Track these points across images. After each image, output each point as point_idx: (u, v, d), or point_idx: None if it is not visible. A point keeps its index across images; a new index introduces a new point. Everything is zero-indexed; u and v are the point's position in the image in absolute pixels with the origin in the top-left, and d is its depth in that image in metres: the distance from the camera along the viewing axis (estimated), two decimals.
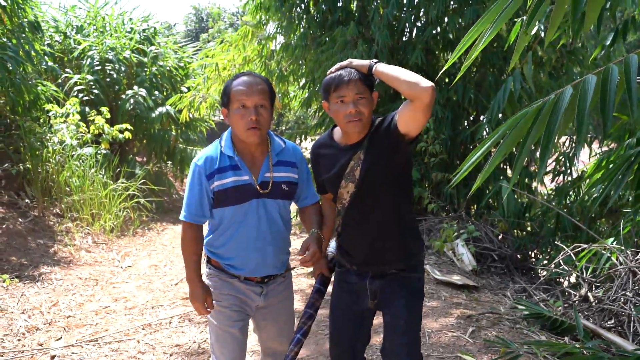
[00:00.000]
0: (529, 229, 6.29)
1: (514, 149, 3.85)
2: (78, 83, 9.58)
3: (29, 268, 5.61)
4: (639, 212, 3.54)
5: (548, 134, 2.05)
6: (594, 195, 4.76)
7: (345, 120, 2.09)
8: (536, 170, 7.01)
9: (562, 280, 5.02)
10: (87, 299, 5.00)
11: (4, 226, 6.30)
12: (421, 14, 6.69)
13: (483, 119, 6.42)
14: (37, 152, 7.35)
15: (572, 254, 4.22)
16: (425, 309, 3.82)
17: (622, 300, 3.51)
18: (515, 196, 6.22)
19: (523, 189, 6.41)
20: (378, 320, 2.45)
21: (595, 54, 4.23)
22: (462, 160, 2.01)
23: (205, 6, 33.15)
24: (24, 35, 7.45)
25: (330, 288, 2.43)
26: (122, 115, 9.81)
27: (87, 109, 9.03)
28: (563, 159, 6.33)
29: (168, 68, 11.32)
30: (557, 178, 6.53)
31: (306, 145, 8.30)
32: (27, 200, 7.23)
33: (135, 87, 10.15)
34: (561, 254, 4.34)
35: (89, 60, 9.97)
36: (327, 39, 6.69)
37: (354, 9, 7.10)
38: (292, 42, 7.36)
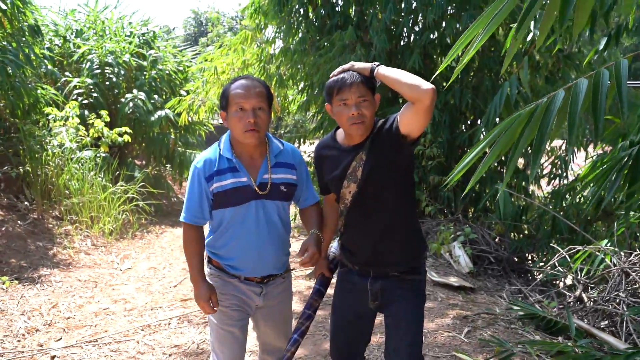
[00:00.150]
0: (525, 231, 6.35)
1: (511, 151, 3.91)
2: (77, 86, 9.63)
3: (28, 270, 5.65)
4: (631, 211, 3.58)
5: (540, 136, 2.09)
6: (588, 197, 4.81)
7: (348, 123, 2.13)
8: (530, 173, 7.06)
9: (558, 282, 5.06)
10: (86, 301, 5.03)
11: (3, 228, 6.33)
12: (419, 18, 6.75)
13: (480, 122, 6.47)
14: (36, 155, 7.39)
15: (567, 256, 4.26)
16: None
17: (616, 300, 3.55)
18: (513, 199, 6.28)
19: (520, 192, 6.46)
20: (378, 320, 2.49)
21: (588, 58, 4.29)
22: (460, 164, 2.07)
23: (204, 10, 33.24)
24: (24, 38, 7.50)
25: (331, 288, 2.47)
26: (121, 118, 9.86)
27: (86, 112, 9.09)
28: (559, 162, 6.38)
29: (167, 72, 11.36)
30: (553, 181, 6.59)
31: (305, 149, 8.37)
32: (26, 203, 7.27)
33: (135, 91, 10.20)
34: (556, 255, 4.39)
35: (88, 63, 10.01)
36: (325, 44, 6.74)
37: (353, 13, 7.15)
38: (291, 46, 7.41)
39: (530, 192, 6.85)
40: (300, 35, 7.27)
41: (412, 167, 2.30)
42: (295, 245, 6.23)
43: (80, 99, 9.41)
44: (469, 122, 7.21)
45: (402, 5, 6.54)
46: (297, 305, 4.34)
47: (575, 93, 2.05)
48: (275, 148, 2.37)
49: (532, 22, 4.30)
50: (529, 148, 6.40)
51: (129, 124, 9.57)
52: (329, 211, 2.47)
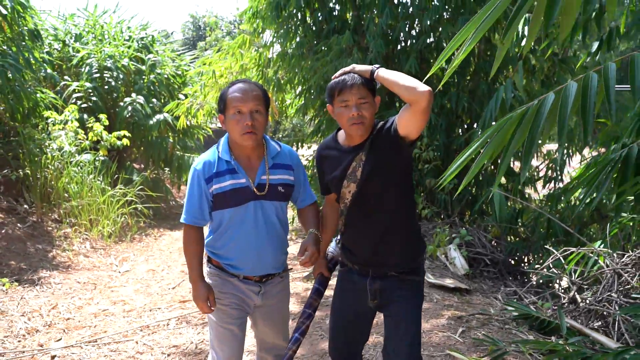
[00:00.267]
0: (522, 234, 6.40)
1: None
2: (76, 90, 9.68)
3: (28, 272, 5.69)
4: (621, 211, 3.64)
5: (531, 138, 2.15)
6: (580, 198, 4.87)
7: (348, 123, 2.19)
8: (527, 176, 7.14)
9: (553, 284, 5.11)
10: (85, 302, 5.07)
11: (3, 231, 6.37)
12: (415, 23, 6.81)
13: (477, 126, 6.53)
14: (35, 159, 7.44)
15: (561, 258, 4.32)
16: None
17: (608, 301, 3.60)
18: (509, 203, 6.34)
19: (516, 195, 6.52)
20: (376, 320, 2.54)
21: (581, 62, 4.36)
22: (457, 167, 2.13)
23: (202, 15, 33.32)
24: (23, 43, 7.56)
25: (330, 289, 2.52)
26: (120, 122, 9.92)
27: (85, 116, 9.14)
28: (554, 166, 6.45)
29: (166, 76, 11.43)
30: (548, 184, 6.65)
31: (303, 153, 8.42)
32: (25, 206, 7.31)
33: (133, 95, 10.26)
34: (551, 257, 4.45)
35: (87, 67, 10.08)
36: (323, 48, 6.80)
37: (350, 18, 7.22)
38: (289, 50, 7.47)
39: (526, 196, 6.91)
40: (297, 39, 7.33)
41: (411, 169, 2.36)
42: (293, 249, 6.28)
43: (79, 102, 9.46)
44: (465, 126, 7.27)
45: (399, 10, 6.60)
46: (295, 307, 4.39)
47: (565, 96, 2.11)
48: (272, 150, 2.42)
49: (526, 27, 4.36)
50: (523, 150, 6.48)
51: (127, 128, 9.63)
52: (328, 212, 2.52)
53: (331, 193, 2.44)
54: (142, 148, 11.22)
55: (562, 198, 6.03)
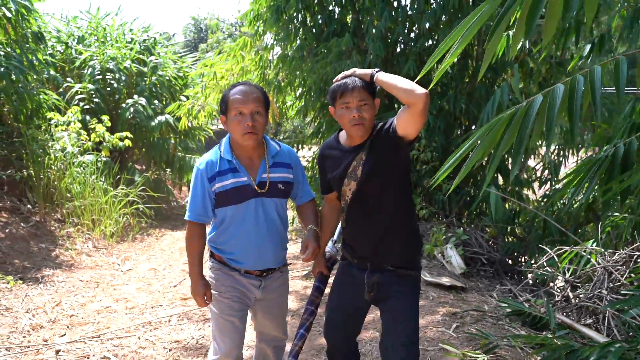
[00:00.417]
0: (519, 234, 6.49)
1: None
2: (79, 92, 9.80)
3: (31, 270, 5.79)
4: (610, 208, 3.72)
5: (520, 138, 2.25)
6: (569, 197, 4.95)
7: (349, 124, 2.30)
8: (525, 177, 7.24)
9: (549, 282, 5.20)
10: (88, 300, 5.17)
11: (7, 231, 6.47)
12: (414, 26, 6.91)
13: (475, 128, 6.62)
14: (39, 159, 7.54)
15: (555, 257, 4.41)
16: None
17: (599, 297, 3.69)
18: (507, 205, 6.44)
19: (513, 196, 6.61)
20: (370, 317, 2.63)
21: (572, 65, 4.45)
22: (455, 168, 2.22)
23: (204, 17, 33.46)
24: (27, 45, 7.65)
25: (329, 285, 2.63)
26: (122, 123, 10.03)
27: (87, 117, 9.24)
28: (550, 167, 6.54)
29: (167, 78, 11.53)
30: (544, 185, 6.75)
31: (303, 154, 8.52)
32: (29, 206, 7.41)
33: (135, 96, 10.37)
34: (545, 256, 4.54)
35: (90, 69, 10.20)
36: (323, 50, 6.89)
37: (349, 21, 7.31)
38: (289, 53, 7.57)
39: (524, 197, 7.00)
40: (298, 42, 7.42)
41: (409, 170, 2.46)
42: (293, 248, 6.38)
43: (82, 104, 9.57)
44: (463, 128, 7.36)
45: (398, 13, 6.70)
46: (294, 304, 4.49)
47: (553, 98, 2.20)
48: (272, 149, 2.53)
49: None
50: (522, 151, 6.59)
51: (129, 129, 9.74)
52: (327, 211, 2.63)
53: (331, 192, 2.54)
54: (143, 149, 11.33)
55: (553, 197, 6.12)
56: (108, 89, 10.47)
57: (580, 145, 7.06)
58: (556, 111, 2.19)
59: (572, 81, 2.23)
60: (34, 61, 7.77)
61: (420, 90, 2.12)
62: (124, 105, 10.28)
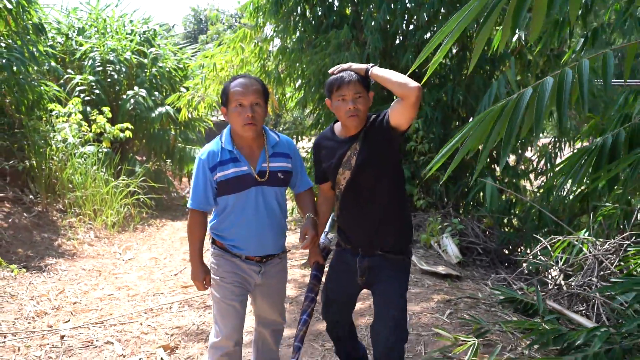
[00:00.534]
0: (515, 224, 6.59)
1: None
2: (80, 83, 9.87)
3: (35, 259, 5.89)
4: (595, 195, 3.81)
5: (510, 129, 2.33)
6: (559, 186, 5.04)
7: (345, 116, 2.41)
8: (522, 169, 7.33)
9: (544, 271, 5.30)
10: (91, 288, 5.27)
11: (10, 220, 6.56)
12: (413, 19, 6.96)
13: (472, 119, 6.69)
14: (40, 150, 7.62)
15: (548, 246, 4.50)
16: (409, 294, 4.08)
17: (589, 285, 3.79)
18: (504, 196, 6.53)
19: (510, 187, 6.70)
20: (367, 304, 2.74)
21: (566, 58, 4.52)
22: (452, 158, 2.31)
23: (204, 8, 33.44)
24: (28, 37, 7.71)
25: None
26: (122, 114, 10.10)
27: (88, 108, 9.33)
28: (545, 157, 6.63)
29: (167, 69, 11.59)
30: (540, 176, 6.83)
31: (303, 145, 8.60)
32: (31, 196, 7.50)
33: (136, 88, 10.45)
34: (538, 245, 4.64)
35: (90, 61, 10.27)
36: (322, 42, 6.94)
37: (349, 13, 7.36)
38: (289, 45, 7.62)
39: (521, 188, 7.09)
40: (297, 34, 7.47)
41: (401, 161, 2.56)
42: (292, 238, 6.47)
43: (82, 95, 9.65)
44: (461, 119, 7.43)
45: (396, 6, 6.75)
46: (292, 292, 4.59)
47: (542, 90, 2.29)
48: (272, 140, 2.63)
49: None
50: (517, 142, 6.69)
51: (130, 120, 9.81)
52: (322, 202, 2.75)
53: (326, 182, 2.64)
54: (144, 140, 11.41)
55: (544, 186, 6.21)
56: (108, 80, 10.55)
57: (576, 137, 7.14)
58: (545, 103, 2.27)
59: (561, 74, 2.31)
60: (35, 53, 7.84)
61: (413, 83, 2.22)
62: (124, 96, 10.36)
